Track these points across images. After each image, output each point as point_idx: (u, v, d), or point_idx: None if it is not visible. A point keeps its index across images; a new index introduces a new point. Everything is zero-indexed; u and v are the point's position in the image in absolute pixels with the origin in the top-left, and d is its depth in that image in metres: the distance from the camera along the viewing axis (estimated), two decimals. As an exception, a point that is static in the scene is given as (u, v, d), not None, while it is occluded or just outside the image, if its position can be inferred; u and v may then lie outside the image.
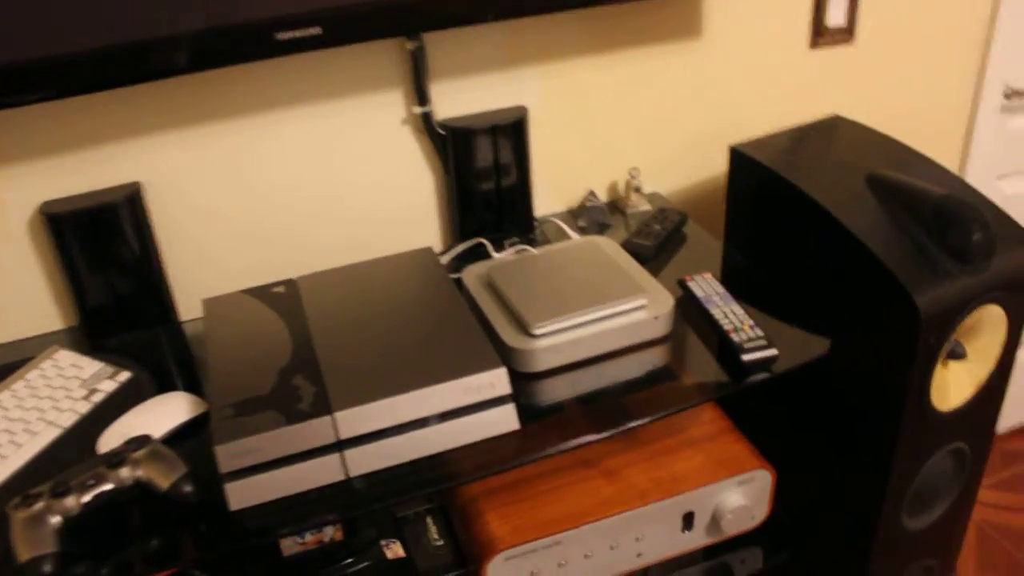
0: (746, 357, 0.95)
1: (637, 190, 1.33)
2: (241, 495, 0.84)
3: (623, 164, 1.37)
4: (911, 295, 0.98)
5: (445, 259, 1.24)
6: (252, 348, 0.98)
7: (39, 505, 0.80)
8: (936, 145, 1.61)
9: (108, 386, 1.03)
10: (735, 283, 1.12)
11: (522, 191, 1.27)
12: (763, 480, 1.10)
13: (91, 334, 1.15)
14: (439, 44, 1.19)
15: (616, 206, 1.36)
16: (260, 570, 1.08)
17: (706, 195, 1.46)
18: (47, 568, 0.78)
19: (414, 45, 1.16)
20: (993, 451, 2.02)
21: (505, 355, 0.98)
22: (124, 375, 1.05)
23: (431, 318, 0.99)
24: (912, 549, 1.22)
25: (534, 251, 1.15)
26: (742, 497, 1.08)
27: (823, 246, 1.10)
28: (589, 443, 0.90)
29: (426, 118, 1.21)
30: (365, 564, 1.09)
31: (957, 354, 1.08)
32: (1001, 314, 1.07)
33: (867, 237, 1.04)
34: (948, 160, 1.63)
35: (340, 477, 0.87)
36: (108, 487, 0.83)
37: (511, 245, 1.23)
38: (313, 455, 0.86)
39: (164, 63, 1.00)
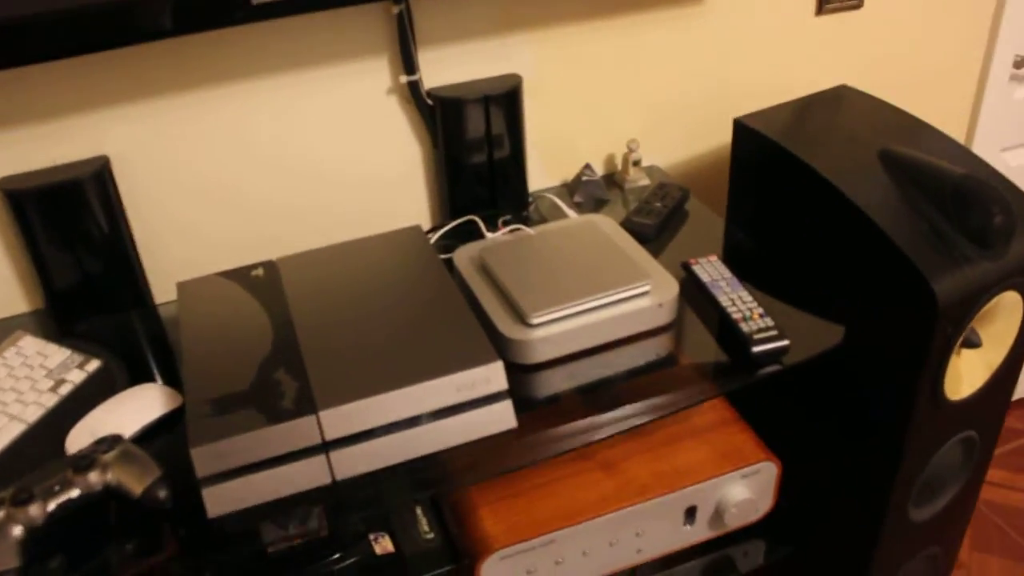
0: (756, 349, 0.90)
1: (636, 163, 1.27)
2: (220, 501, 0.79)
3: (621, 136, 1.31)
4: (929, 282, 0.93)
5: (434, 237, 1.17)
6: (230, 338, 0.91)
7: (-1, 515, 0.74)
8: (943, 114, 1.55)
9: (76, 376, 0.97)
10: (739, 265, 1.06)
11: (515, 165, 1.21)
12: (768, 472, 1.05)
13: (59, 318, 1.08)
14: (427, 8, 1.11)
15: (613, 180, 1.30)
16: (242, 566, 1.03)
17: (707, 169, 1.39)
18: (9, 585, 0.72)
19: (399, 8, 1.09)
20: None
21: (500, 346, 0.92)
22: (94, 364, 0.99)
23: (421, 305, 0.93)
24: (917, 539, 1.19)
25: (530, 231, 1.08)
26: (747, 490, 1.04)
27: (833, 227, 1.04)
28: (591, 443, 0.85)
29: (413, 87, 1.14)
30: (353, 560, 1.04)
31: (972, 342, 1.03)
32: (1018, 300, 1.02)
33: (882, 219, 0.98)
34: (955, 130, 1.57)
35: (326, 481, 0.81)
36: (75, 493, 0.77)
37: (504, 223, 1.17)
38: (297, 457, 0.81)
39: (131, 29, 0.92)
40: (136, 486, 0.79)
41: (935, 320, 0.94)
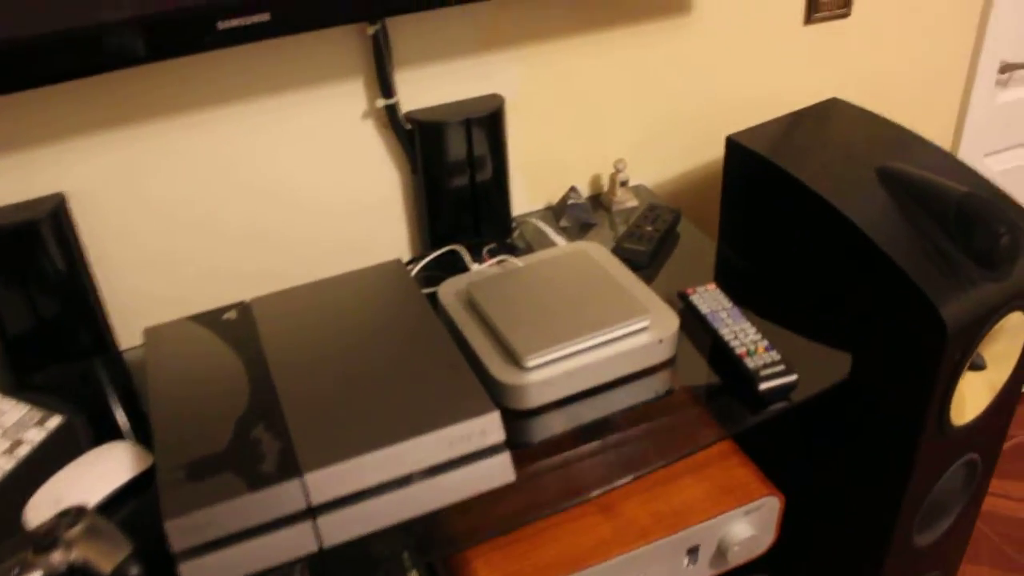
0: (763, 386, 0.86)
1: (623, 184, 1.22)
2: (198, 576, 0.73)
3: (606, 155, 1.26)
4: (937, 308, 0.89)
5: (415, 269, 1.11)
6: (202, 390, 0.85)
7: (-48, 607, 0.68)
8: (930, 120, 1.52)
9: (35, 435, 0.90)
10: (735, 289, 1.02)
11: (498, 190, 1.15)
12: (771, 507, 1.01)
13: (16, 368, 1.01)
14: (404, 28, 1.05)
15: (600, 202, 1.25)
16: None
17: (696, 187, 1.35)
18: None
19: (375, 29, 1.03)
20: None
21: (493, 390, 0.87)
22: (54, 420, 0.92)
23: (408, 348, 0.87)
24: (919, 564, 1.16)
25: (518, 262, 1.03)
26: (749, 527, 1.00)
27: (834, 249, 1.00)
28: (597, 496, 0.80)
29: (391, 111, 1.08)
30: (339, 616, 0.99)
31: (977, 365, 1.00)
32: (1022, 320, 0.99)
33: (884, 241, 0.94)
34: (940, 135, 1.55)
35: (313, 548, 0.75)
36: None
37: (489, 253, 1.11)
38: (281, 525, 0.75)
39: (89, 58, 0.85)
40: (105, 565, 0.72)
41: (944, 347, 0.90)
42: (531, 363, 0.86)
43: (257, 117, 1.03)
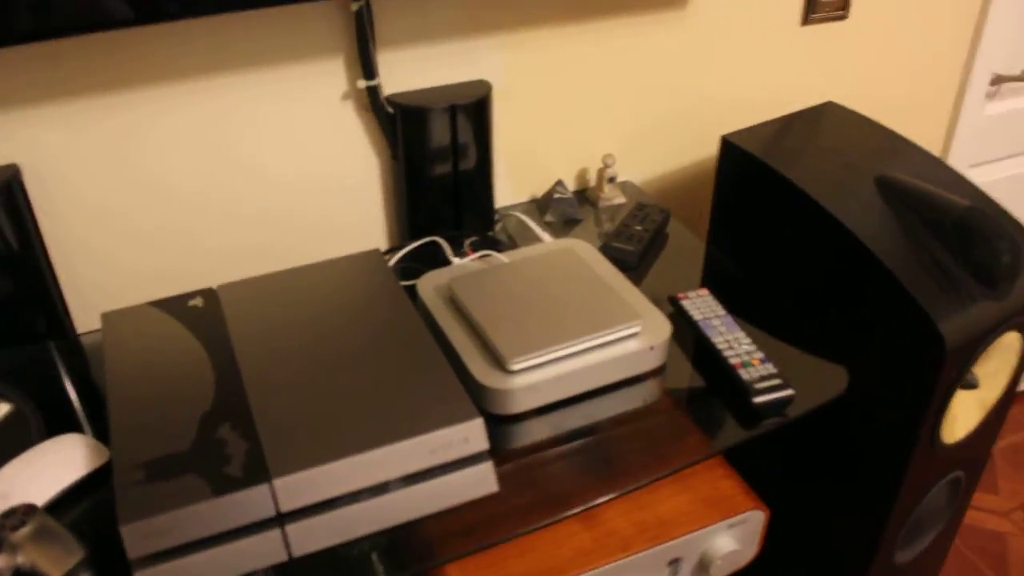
0: (758, 400, 0.82)
1: (611, 180, 1.18)
2: (155, 586, 0.67)
3: (595, 150, 1.22)
4: (935, 324, 0.87)
5: (393, 259, 1.06)
6: (164, 383, 0.79)
7: None
8: (921, 128, 1.50)
9: (-18, 424, 0.84)
10: (725, 294, 0.98)
11: (482, 180, 1.10)
12: (756, 520, 0.98)
13: (-38, 349, 0.95)
14: (388, 5, 1.00)
15: (586, 197, 1.21)
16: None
17: (685, 186, 1.32)
18: None
19: (359, 5, 0.97)
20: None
21: (475, 394, 0.82)
22: (3, 408, 0.86)
23: (386, 345, 0.82)
24: (898, 581, 1.14)
25: (503, 258, 0.98)
26: (733, 541, 0.96)
27: (829, 258, 0.97)
28: (582, 511, 0.76)
29: (372, 93, 1.03)
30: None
31: (970, 383, 0.98)
32: (1018, 340, 0.97)
33: (883, 253, 0.91)
34: (930, 146, 1.53)
35: (282, 558, 0.70)
36: (-21, 581, 0.65)
37: (471, 246, 1.06)
38: (247, 532, 0.70)
39: (47, 21, 0.79)
40: (54, 570, 0.67)
41: (941, 363, 0.88)
42: (516, 366, 0.82)
43: (231, 92, 0.97)
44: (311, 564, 0.72)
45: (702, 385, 0.87)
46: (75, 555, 0.68)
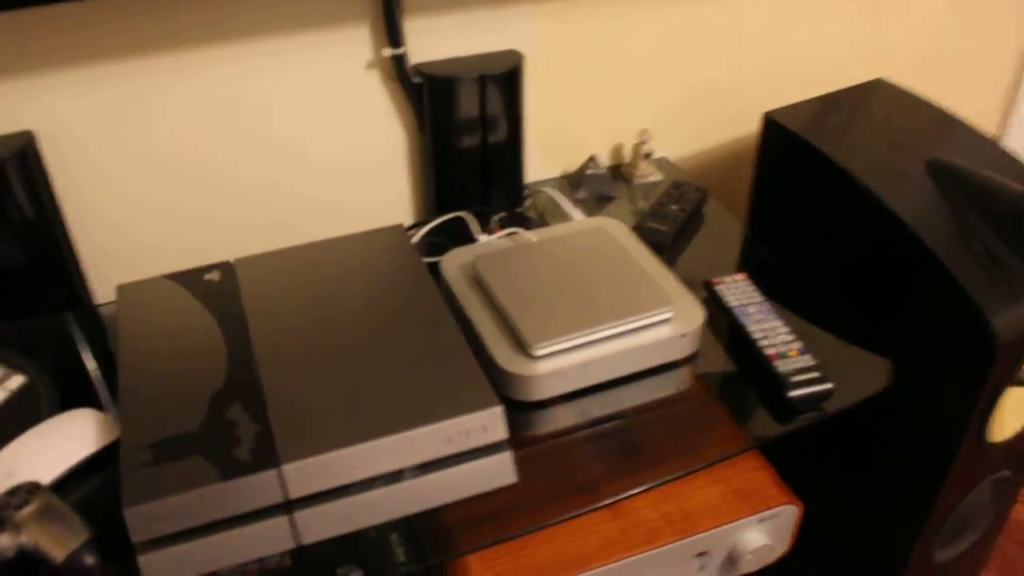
0: (794, 393, 0.78)
1: (646, 156, 1.13)
2: (160, 571, 0.65)
3: (630, 124, 1.17)
4: (987, 318, 0.81)
5: (418, 235, 1.03)
6: (177, 361, 0.77)
7: None
8: (975, 110, 1.42)
9: (-6, 396, 0.82)
10: (762, 279, 0.93)
11: (512, 154, 1.06)
12: (788, 515, 0.94)
13: (-21, 318, 0.93)
14: (418, -30, 0.96)
15: (620, 173, 1.16)
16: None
17: (724, 164, 1.26)
18: None
19: (386, -31, 0.93)
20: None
21: (496, 379, 0.79)
22: (16, 380, 0.84)
23: (405, 326, 0.79)
24: (937, 580, 1.09)
25: (530, 236, 0.95)
26: (764, 535, 0.92)
27: (875, 245, 0.92)
28: (605, 506, 0.73)
29: (398, 62, 0.99)
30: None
31: (1020, 380, 0.92)
32: (1074, 333, 0.91)
33: (934, 241, 0.86)
34: (985, 122, 1.45)
35: (289, 546, 0.68)
36: (-20, 560, 0.63)
37: (499, 222, 1.03)
38: (254, 518, 0.67)
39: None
40: (58, 551, 0.65)
41: (992, 359, 0.82)
42: (540, 351, 0.78)
43: (252, 60, 0.94)
44: (327, 548, 0.69)
45: (735, 375, 0.83)
46: (80, 536, 0.66)
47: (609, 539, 0.88)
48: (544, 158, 1.15)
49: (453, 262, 0.92)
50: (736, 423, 0.79)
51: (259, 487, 0.66)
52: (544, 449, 0.77)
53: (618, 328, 0.80)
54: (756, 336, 0.82)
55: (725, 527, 0.90)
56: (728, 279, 0.90)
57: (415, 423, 0.69)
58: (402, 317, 0.80)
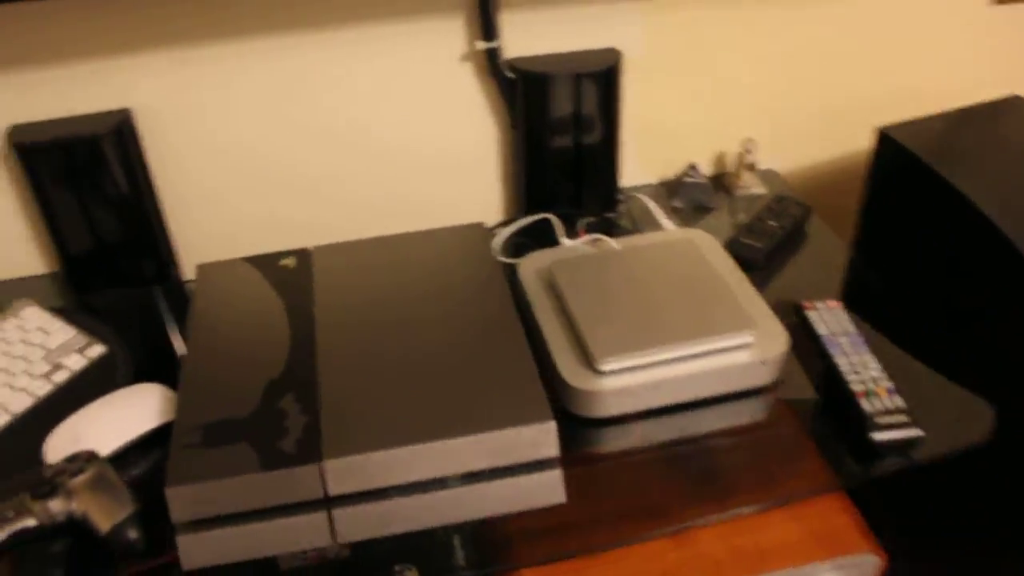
0: (878, 436, 0.71)
1: (750, 167, 1.07)
2: (197, 552, 0.66)
3: (734, 132, 1.11)
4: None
5: (502, 235, 1.00)
6: (241, 345, 0.78)
7: (-64, 546, 0.63)
8: None
9: (76, 362, 0.85)
10: (863, 309, 0.86)
11: (606, 157, 1.02)
12: (869, 566, 0.86)
13: (75, 285, 0.97)
14: (518, -39, 0.93)
15: (722, 183, 1.10)
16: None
17: (834, 180, 1.18)
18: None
19: (484, -40, 0.91)
20: None
21: (559, 391, 0.75)
22: (97, 350, 0.86)
23: (470, 328, 0.77)
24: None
25: (614, 244, 0.91)
26: (840, 584, 0.86)
27: (992, 281, 0.83)
28: (670, 533, 0.68)
29: (491, 56, 0.96)
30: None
31: None
32: None
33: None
34: None
35: (326, 542, 0.67)
36: (30, 524, 0.65)
37: (586, 227, 0.99)
38: (293, 511, 0.67)
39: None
40: (104, 522, 0.66)
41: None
42: (607, 367, 0.74)
43: (340, 48, 0.93)
44: (388, 543, 0.67)
45: (817, 410, 0.77)
46: (126, 509, 0.66)
47: (668, 570, 0.84)
48: (642, 163, 1.10)
49: (531, 266, 0.89)
50: (820, 459, 0.73)
51: (299, 481, 0.65)
52: (609, 468, 0.73)
53: (692, 349, 0.75)
54: (843, 369, 0.76)
55: (797, 569, 0.84)
56: (821, 304, 0.84)
57: (462, 431, 0.66)
58: (469, 319, 0.78)
